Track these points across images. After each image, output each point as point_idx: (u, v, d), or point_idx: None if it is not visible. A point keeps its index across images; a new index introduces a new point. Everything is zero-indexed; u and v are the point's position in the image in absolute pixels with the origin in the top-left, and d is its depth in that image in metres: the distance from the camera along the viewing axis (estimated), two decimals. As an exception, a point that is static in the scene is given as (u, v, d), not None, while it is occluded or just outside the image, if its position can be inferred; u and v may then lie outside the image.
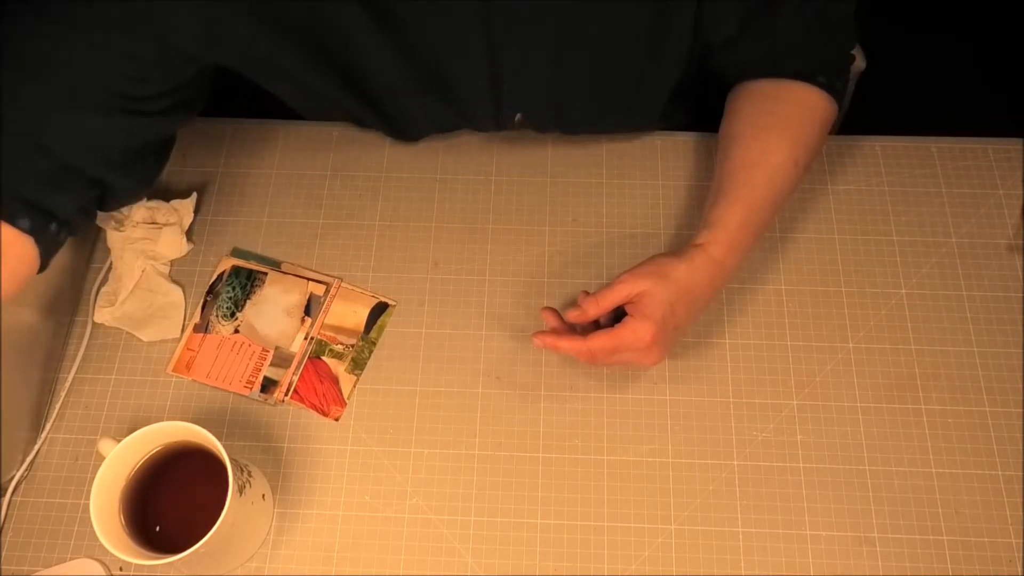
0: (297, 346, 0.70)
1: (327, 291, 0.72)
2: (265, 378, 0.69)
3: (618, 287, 0.61)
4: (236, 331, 0.70)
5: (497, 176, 0.77)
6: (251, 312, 0.71)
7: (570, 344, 0.62)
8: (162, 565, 0.54)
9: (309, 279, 0.73)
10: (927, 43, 1.42)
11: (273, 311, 0.71)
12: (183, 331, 0.71)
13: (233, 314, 0.71)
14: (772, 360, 0.69)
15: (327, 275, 0.73)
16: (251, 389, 0.68)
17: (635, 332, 0.60)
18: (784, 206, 0.70)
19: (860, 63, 0.88)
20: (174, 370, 0.69)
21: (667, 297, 0.61)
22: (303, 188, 0.78)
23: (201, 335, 0.71)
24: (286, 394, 0.68)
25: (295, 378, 0.69)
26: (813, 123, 0.68)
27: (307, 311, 0.71)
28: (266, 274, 0.73)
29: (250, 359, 0.69)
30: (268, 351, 0.70)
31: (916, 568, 0.61)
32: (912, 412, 0.67)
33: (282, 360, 0.69)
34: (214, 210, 0.77)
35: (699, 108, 0.79)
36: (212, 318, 0.71)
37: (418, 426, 0.67)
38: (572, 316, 0.63)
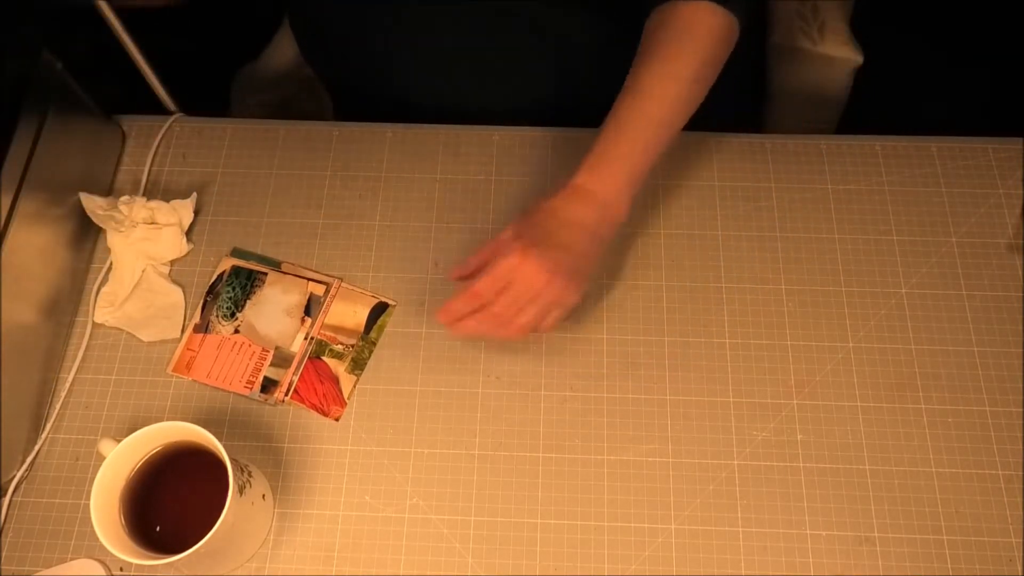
0: (297, 346, 0.70)
1: (327, 291, 0.72)
2: (265, 378, 0.69)
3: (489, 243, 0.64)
4: (236, 331, 0.70)
5: (497, 176, 0.77)
6: (251, 312, 0.71)
7: (459, 297, 0.61)
8: (162, 565, 0.54)
9: (309, 279, 0.73)
10: (927, 43, 1.42)
11: (273, 311, 0.71)
12: (183, 331, 0.71)
13: (233, 314, 0.71)
14: (772, 360, 0.69)
15: (327, 275, 0.73)
16: (251, 389, 0.68)
17: (506, 250, 0.60)
18: (680, 118, 0.68)
19: (856, 58, 0.88)
20: (174, 370, 0.69)
21: (527, 219, 0.62)
22: (303, 188, 0.78)
23: (201, 335, 0.71)
24: (286, 394, 0.68)
25: (295, 378, 0.69)
26: (697, 36, 0.67)
27: (307, 311, 0.71)
28: (266, 274, 0.73)
29: (250, 359, 0.69)
30: (268, 351, 0.70)
31: (916, 568, 0.61)
32: (912, 412, 0.67)
33: (282, 360, 0.69)
34: (214, 210, 0.77)
35: (698, 107, 0.79)
36: (212, 318, 0.71)
37: (418, 426, 0.67)
38: (455, 273, 0.66)
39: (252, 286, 0.72)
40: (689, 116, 0.68)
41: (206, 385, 0.69)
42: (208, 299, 0.72)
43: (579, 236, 0.63)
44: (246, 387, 0.68)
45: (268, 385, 0.69)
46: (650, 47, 0.68)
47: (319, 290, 0.72)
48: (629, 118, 0.66)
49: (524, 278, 0.60)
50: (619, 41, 0.72)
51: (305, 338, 0.70)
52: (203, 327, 0.71)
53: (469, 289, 0.61)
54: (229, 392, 0.69)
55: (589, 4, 0.72)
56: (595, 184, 0.64)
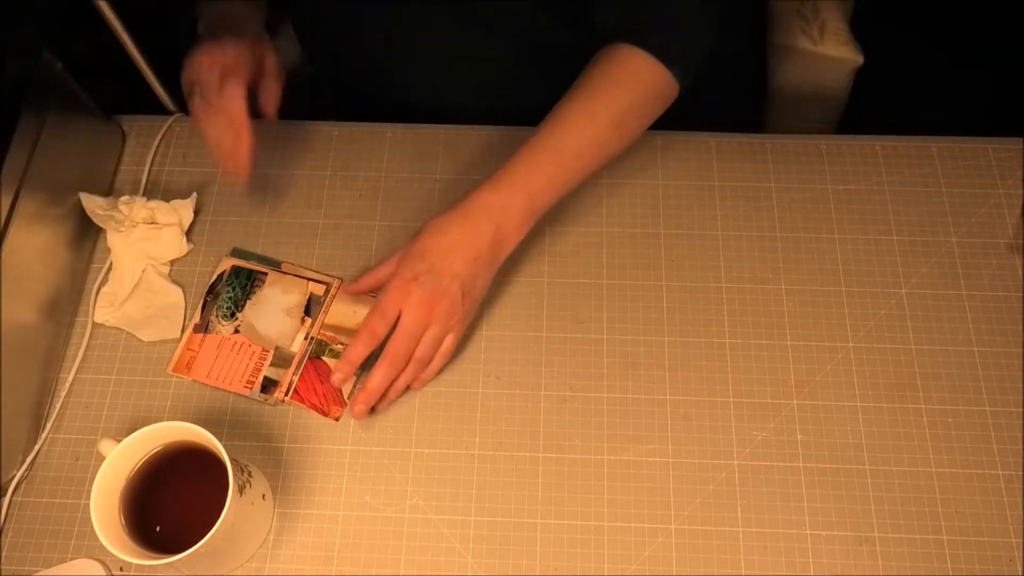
0: (297, 346, 0.70)
1: (327, 291, 0.72)
2: (265, 378, 0.69)
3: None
4: (236, 331, 0.71)
5: (497, 176, 0.77)
6: (251, 312, 0.71)
7: (353, 345, 0.64)
8: (162, 565, 0.54)
9: (309, 279, 0.73)
10: (927, 43, 1.42)
11: (273, 311, 0.71)
12: (183, 331, 0.71)
13: (233, 314, 0.71)
14: (772, 360, 0.69)
15: (327, 275, 0.73)
16: (251, 389, 0.68)
17: (388, 287, 0.64)
18: (588, 157, 0.67)
19: (856, 58, 0.88)
20: (174, 370, 0.69)
21: (414, 249, 0.64)
22: (303, 188, 0.78)
23: (201, 335, 0.71)
24: (286, 394, 0.68)
25: (295, 378, 0.69)
26: (626, 82, 0.67)
27: (307, 311, 0.71)
28: (266, 274, 0.73)
29: (250, 359, 0.69)
30: (268, 351, 0.70)
31: (916, 568, 0.61)
32: (912, 412, 0.67)
33: (282, 360, 0.69)
34: (214, 210, 0.77)
35: (698, 107, 0.79)
36: (212, 318, 0.71)
37: (418, 426, 0.67)
38: (348, 287, 0.70)
39: (252, 286, 0.72)
40: (604, 160, 0.69)
41: (206, 385, 0.69)
42: (208, 299, 0.72)
43: (466, 258, 0.64)
44: (246, 387, 0.68)
45: (268, 385, 0.69)
46: (581, 82, 0.68)
47: (319, 290, 0.72)
48: (542, 147, 0.66)
49: (415, 311, 0.63)
50: None
51: (305, 338, 0.70)
52: (203, 327, 0.71)
53: (360, 331, 0.64)
54: (229, 392, 0.69)
55: (578, 18, 0.72)
56: (492, 202, 0.65)
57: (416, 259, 0.64)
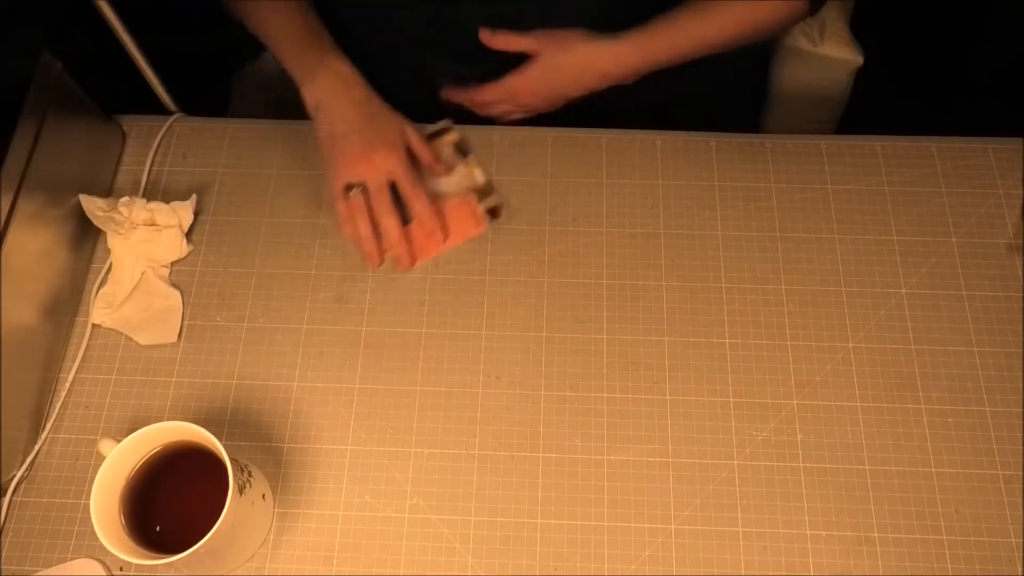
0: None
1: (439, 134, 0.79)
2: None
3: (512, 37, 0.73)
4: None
5: (497, 176, 0.77)
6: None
7: (464, 93, 0.75)
8: (162, 565, 0.54)
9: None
10: (927, 43, 1.42)
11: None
12: (180, 336, 0.71)
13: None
14: (772, 360, 0.69)
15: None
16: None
17: (520, 83, 0.73)
18: (712, 50, 0.73)
19: (856, 58, 0.88)
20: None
21: (555, 60, 0.73)
22: (303, 188, 0.78)
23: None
24: None
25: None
26: (768, 7, 0.72)
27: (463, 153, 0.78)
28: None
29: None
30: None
31: (916, 568, 0.61)
32: (912, 412, 0.67)
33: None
34: (214, 211, 0.77)
35: (698, 107, 0.79)
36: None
37: (418, 426, 0.67)
38: (488, 37, 0.74)
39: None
40: (717, 52, 0.74)
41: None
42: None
43: (587, 80, 0.74)
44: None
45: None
46: None
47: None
48: (685, 33, 0.73)
49: (521, 100, 0.75)
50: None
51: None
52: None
53: (477, 92, 0.75)
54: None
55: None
56: (635, 58, 0.72)
57: (555, 73, 0.74)
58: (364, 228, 0.70)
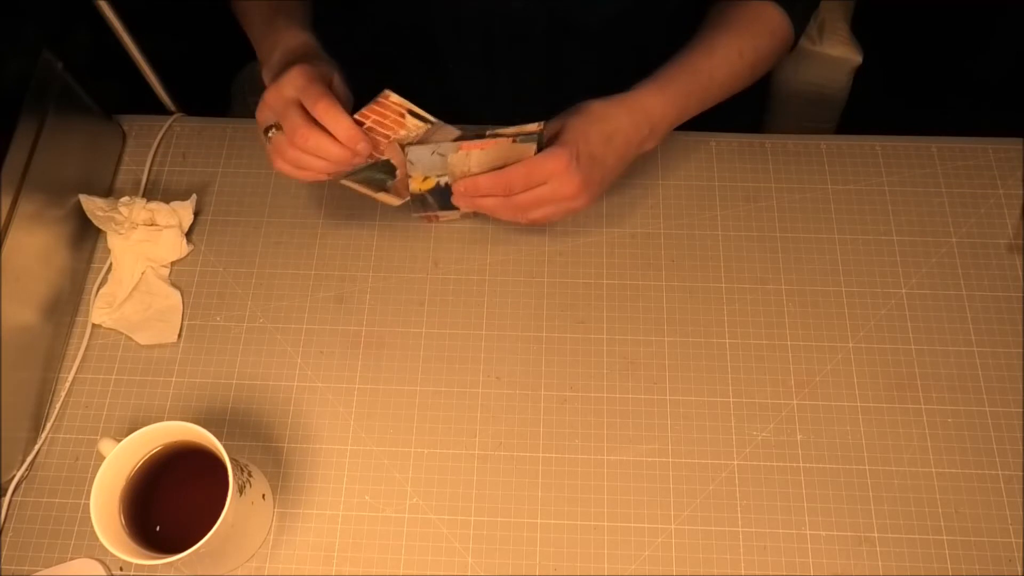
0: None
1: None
2: None
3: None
4: None
5: (497, 176, 0.77)
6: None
7: (487, 178, 0.62)
8: (162, 565, 0.54)
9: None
10: (927, 43, 1.42)
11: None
12: (180, 335, 0.71)
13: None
14: (772, 360, 0.69)
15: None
16: None
17: (549, 156, 0.61)
18: (724, 90, 0.72)
19: (856, 58, 0.88)
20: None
21: (582, 126, 0.64)
22: (303, 188, 0.78)
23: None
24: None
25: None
26: (763, 30, 0.73)
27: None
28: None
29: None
30: None
31: (916, 568, 0.61)
32: (912, 412, 0.67)
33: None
34: (214, 211, 0.77)
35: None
36: None
37: (418, 426, 0.67)
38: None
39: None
40: (727, 94, 0.72)
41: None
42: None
43: (618, 151, 0.66)
44: None
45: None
46: (723, 21, 0.72)
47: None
48: (697, 69, 0.69)
49: (560, 185, 0.62)
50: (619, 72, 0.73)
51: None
52: None
53: (502, 175, 0.62)
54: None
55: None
56: (653, 103, 0.67)
57: (584, 137, 0.64)
58: (281, 164, 0.63)
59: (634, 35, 0.75)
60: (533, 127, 0.62)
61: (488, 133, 0.62)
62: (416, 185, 0.68)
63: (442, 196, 0.69)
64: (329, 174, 0.63)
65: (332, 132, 0.60)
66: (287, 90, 0.61)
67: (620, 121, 0.65)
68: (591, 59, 0.77)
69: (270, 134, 0.63)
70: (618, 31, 0.75)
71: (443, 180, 0.67)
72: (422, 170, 0.66)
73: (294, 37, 0.68)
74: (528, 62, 0.77)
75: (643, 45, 0.75)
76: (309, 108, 0.61)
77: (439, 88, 0.76)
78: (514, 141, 0.62)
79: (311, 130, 0.60)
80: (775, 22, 0.73)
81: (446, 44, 0.78)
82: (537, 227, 0.75)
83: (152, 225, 0.74)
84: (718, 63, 0.70)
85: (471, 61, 0.78)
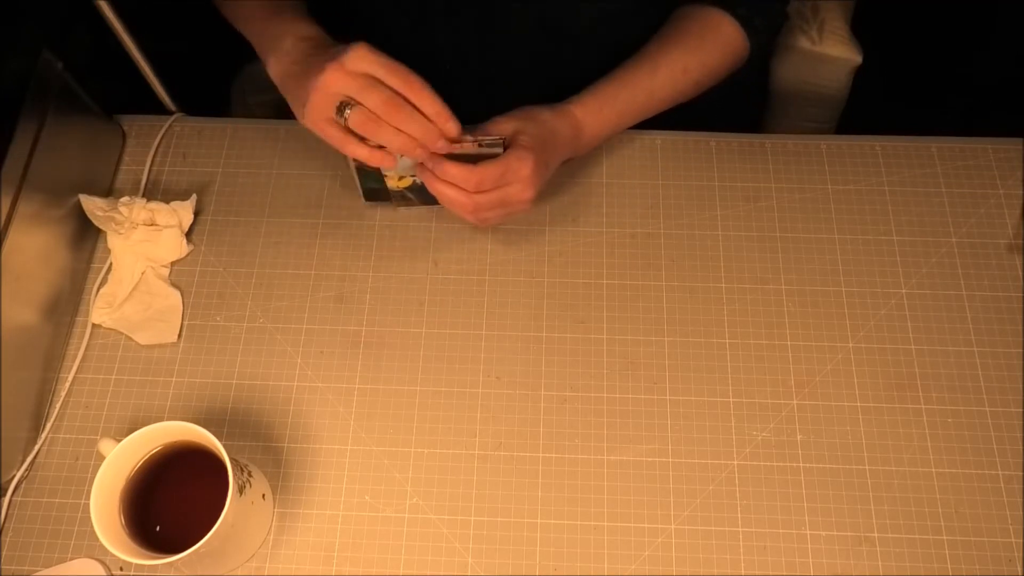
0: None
1: None
2: None
3: (489, 127, 0.66)
4: None
5: (497, 176, 0.77)
6: None
7: (460, 170, 0.63)
8: (162, 565, 0.54)
9: None
10: (927, 43, 1.42)
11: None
12: (180, 336, 0.71)
13: None
14: (772, 360, 0.69)
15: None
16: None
17: (519, 160, 0.64)
18: (665, 104, 0.74)
19: (856, 58, 0.88)
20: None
21: (539, 134, 0.66)
22: (303, 188, 0.78)
23: None
24: None
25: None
26: (714, 45, 0.74)
27: None
28: None
29: None
30: None
31: (916, 568, 0.61)
32: (912, 412, 0.67)
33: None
34: (214, 211, 0.77)
35: (698, 107, 0.79)
36: None
37: (418, 426, 0.67)
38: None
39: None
40: (669, 107, 0.74)
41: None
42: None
43: (554, 162, 0.69)
44: None
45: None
46: (673, 35, 0.73)
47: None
48: (637, 85, 0.72)
49: (521, 189, 0.65)
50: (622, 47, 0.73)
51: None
52: None
53: (474, 171, 0.63)
54: None
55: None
56: (588, 120, 0.70)
57: (543, 145, 0.66)
58: (355, 148, 0.62)
59: (621, 36, 0.75)
60: (497, 136, 0.65)
61: (455, 136, 0.62)
62: (393, 183, 0.71)
63: (421, 192, 0.71)
64: (411, 155, 0.62)
65: (421, 109, 0.60)
66: (359, 65, 0.59)
67: (562, 133, 0.69)
68: (579, 60, 0.77)
69: (346, 112, 0.60)
70: (605, 33, 0.75)
71: (419, 180, 0.69)
72: (397, 170, 0.69)
73: (307, 27, 0.67)
74: (519, 63, 0.77)
75: (630, 46, 0.74)
76: (400, 83, 0.59)
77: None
78: (480, 146, 0.64)
79: (404, 104, 0.59)
80: (728, 36, 0.74)
81: (445, 43, 0.78)
82: (507, 225, 0.75)
83: (152, 225, 0.74)
84: (661, 82, 0.72)
85: (464, 61, 0.78)
